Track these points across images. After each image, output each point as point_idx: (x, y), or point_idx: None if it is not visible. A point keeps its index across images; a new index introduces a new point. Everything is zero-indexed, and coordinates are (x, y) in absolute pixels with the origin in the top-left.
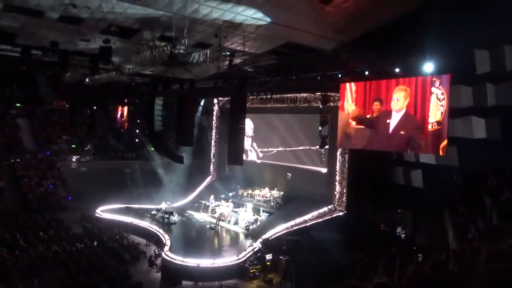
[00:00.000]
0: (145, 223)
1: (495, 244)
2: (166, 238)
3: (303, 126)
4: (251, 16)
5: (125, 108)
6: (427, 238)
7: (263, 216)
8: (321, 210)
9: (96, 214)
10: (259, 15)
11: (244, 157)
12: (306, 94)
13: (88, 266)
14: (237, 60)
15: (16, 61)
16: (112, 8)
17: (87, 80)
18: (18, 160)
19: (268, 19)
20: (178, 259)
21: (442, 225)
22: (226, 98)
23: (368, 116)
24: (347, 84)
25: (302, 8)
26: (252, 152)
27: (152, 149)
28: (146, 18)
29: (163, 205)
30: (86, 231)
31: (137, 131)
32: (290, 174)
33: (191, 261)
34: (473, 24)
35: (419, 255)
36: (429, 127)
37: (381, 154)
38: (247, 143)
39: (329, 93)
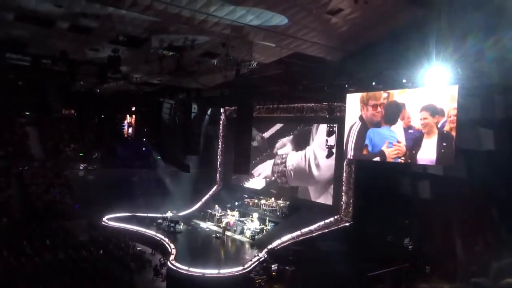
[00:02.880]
0: (151, 232)
1: (503, 257)
2: (171, 247)
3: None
4: (258, 26)
5: (133, 117)
6: (434, 250)
7: (269, 225)
8: (327, 220)
9: (103, 222)
10: (267, 25)
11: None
12: (312, 104)
13: (93, 274)
14: (244, 70)
15: (26, 70)
16: (121, 18)
17: (95, 89)
18: (26, 168)
19: (276, 30)
20: (184, 269)
21: (450, 237)
22: (233, 107)
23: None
24: None
25: (309, 19)
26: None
27: (159, 157)
28: (154, 28)
29: (169, 214)
30: (92, 239)
31: (144, 139)
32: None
33: (196, 271)
34: (481, 34)
35: (427, 267)
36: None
37: (388, 165)
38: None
39: (335, 103)
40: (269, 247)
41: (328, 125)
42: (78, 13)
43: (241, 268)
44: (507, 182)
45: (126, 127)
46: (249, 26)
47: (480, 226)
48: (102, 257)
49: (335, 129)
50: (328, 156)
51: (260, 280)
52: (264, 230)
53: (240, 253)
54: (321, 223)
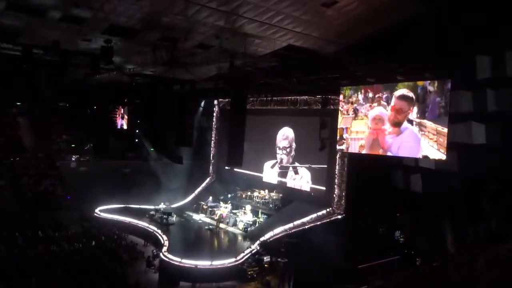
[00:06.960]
0: (143, 224)
1: (493, 250)
2: (164, 239)
3: (302, 128)
4: (252, 18)
5: (126, 108)
6: (425, 243)
7: (262, 218)
8: (320, 213)
9: (95, 214)
10: (261, 18)
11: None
12: (306, 97)
13: (86, 266)
14: (238, 62)
15: (17, 60)
16: (114, 8)
17: (88, 79)
18: (18, 159)
19: (270, 22)
20: (176, 260)
21: (440, 230)
22: (227, 99)
23: None
24: None
25: (304, 11)
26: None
27: (152, 149)
28: (148, 19)
29: (162, 206)
30: (85, 230)
31: (137, 131)
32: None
33: (189, 262)
34: (474, 29)
35: (417, 259)
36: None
37: (381, 158)
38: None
39: (329, 96)
40: (262, 239)
41: (322, 118)
42: (70, 3)
43: (233, 260)
44: (498, 175)
45: (118, 118)
46: (243, 18)
47: (471, 219)
48: (94, 249)
49: (329, 122)
50: (321, 149)
51: (252, 272)
52: (257, 222)
53: (232, 245)
54: (314, 215)
